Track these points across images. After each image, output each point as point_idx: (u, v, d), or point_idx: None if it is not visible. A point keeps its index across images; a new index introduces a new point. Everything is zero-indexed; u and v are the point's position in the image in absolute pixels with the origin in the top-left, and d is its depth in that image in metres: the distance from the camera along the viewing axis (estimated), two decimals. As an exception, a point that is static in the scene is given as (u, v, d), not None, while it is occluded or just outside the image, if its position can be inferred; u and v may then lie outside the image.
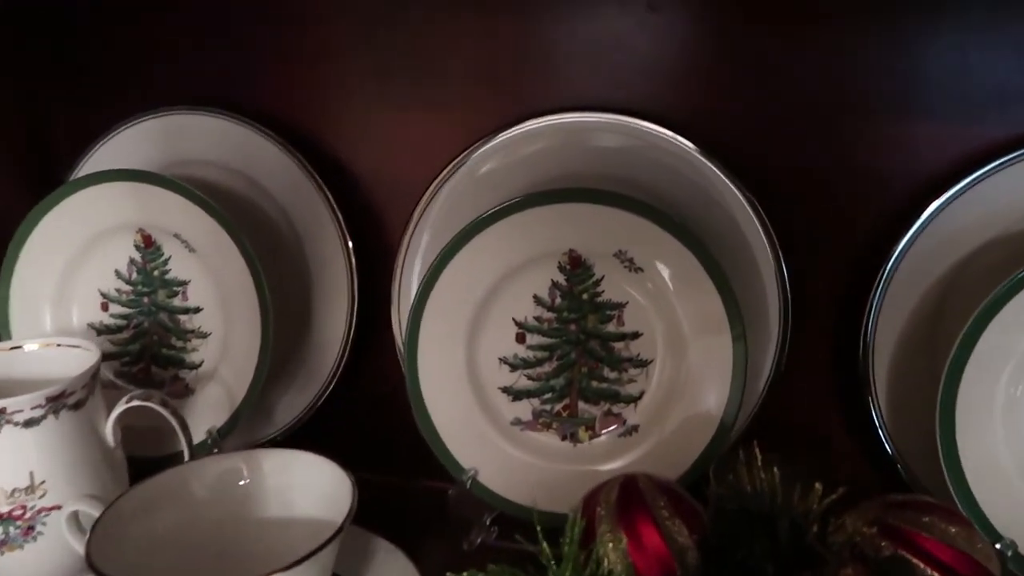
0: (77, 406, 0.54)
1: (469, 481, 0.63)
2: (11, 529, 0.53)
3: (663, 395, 0.62)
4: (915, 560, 0.44)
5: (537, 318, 0.62)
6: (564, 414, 0.63)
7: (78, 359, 0.58)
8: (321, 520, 0.49)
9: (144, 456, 0.64)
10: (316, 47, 0.70)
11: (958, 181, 0.59)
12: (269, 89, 0.72)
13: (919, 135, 0.61)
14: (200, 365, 0.70)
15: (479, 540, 0.61)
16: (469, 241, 0.60)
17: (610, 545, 0.45)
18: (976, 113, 0.60)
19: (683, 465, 0.60)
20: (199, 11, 0.72)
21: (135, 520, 0.48)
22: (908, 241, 0.60)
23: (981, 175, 0.59)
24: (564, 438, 0.63)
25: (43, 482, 0.53)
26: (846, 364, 0.64)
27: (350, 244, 0.70)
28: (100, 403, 0.58)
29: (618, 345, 0.62)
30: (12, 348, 0.61)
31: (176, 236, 0.67)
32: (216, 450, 0.66)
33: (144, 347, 0.71)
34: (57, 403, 0.53)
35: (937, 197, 0.59)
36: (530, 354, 0.63)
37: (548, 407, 0.63)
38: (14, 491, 0.52)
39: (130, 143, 0.73)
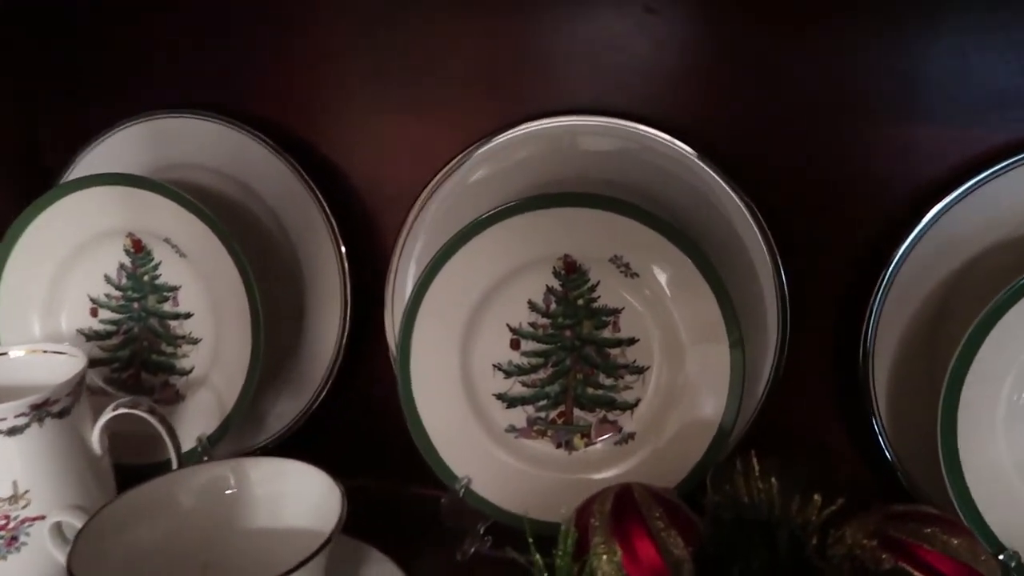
0: (62, 414, 0.53)
1: (462, 489, 0.62)
2: (-6, 539, 0.52)
3: (660, 402, 0.61)
4: (917, 573, 0.43)
5: (532, 324, 0.62)
6: (559, 421, 0.63)
7: (64, 366, 0.57)
8: (310, 530, 0.48)
9: (133, 464, 0.64)
10: (309, 50, 0.70)
11: (959, 185, 0.58)
12: (261, 92, 0.72)
13: (919, 138, 0.60)
14: (191, 371, 0.69)
15: (472, 550, 0.60)
16: (463, 245, 0.60)
17: (604, 557, 0.44)
18: (977, 116, 0.59)
19: (680, 473, 0.59)
20: (191, 14, 0.72)
21: (119, 531, 0.47)
22: (909, 245, 0.59)
23: (982, 179, 0.58)
24: (559, 446, 0.63)
25: (27, 491, 0.52)
26: (846, 370, 0.64)
27: (343, 249, 0.69)
28: (86, 410, 0.57)
29: (614, 351, 0.61)
30: (-3, 354, 0.60)
31: (167, 241, 0.67)
32: (206, 458, 0.65)
33: (134, 353, 0.70)
34: (41, 411, 0.52)
35: (938, 201, 0.59)
36: (525, 360, 0.62)
37: (543, 414, 0.63)
38: (-3, 500, 0.52)
39: (121, 147, 0.72)
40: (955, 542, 0.43)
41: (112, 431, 0.59)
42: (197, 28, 0.72)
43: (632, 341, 0.61)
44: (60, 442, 0.54)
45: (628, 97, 0.64)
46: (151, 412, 0.57)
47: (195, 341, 0.69)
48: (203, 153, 0.71)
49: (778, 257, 0.62)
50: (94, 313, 0.70)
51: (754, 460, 0.46)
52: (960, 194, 0.58)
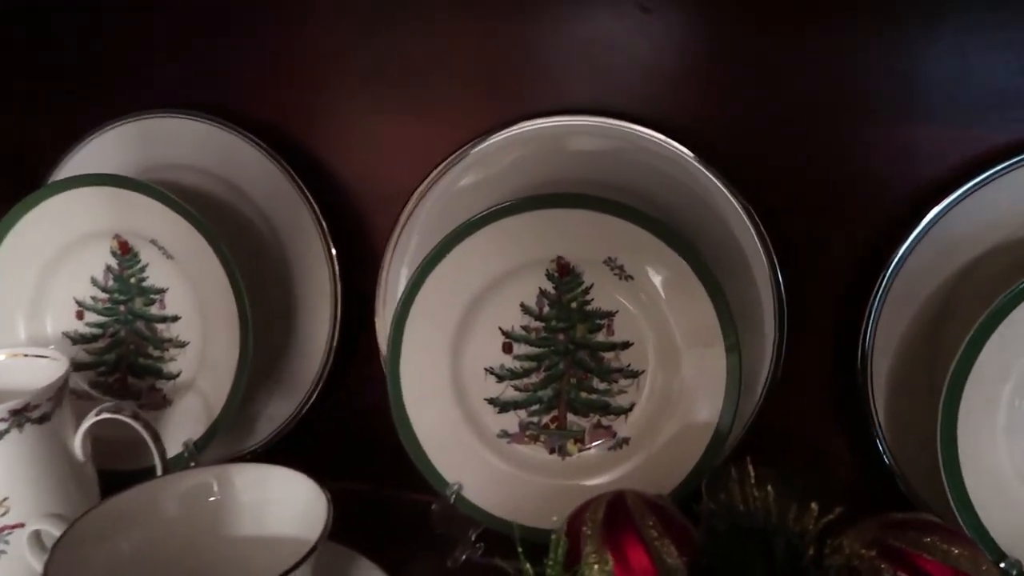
0: (43, 419, 0.52)
1: (453, 496, 0.61)
2: (-27, 548, 0.51)
3: (655, 407, 0.60)
4: (916, 584, 0.42)
5: (524, 327, 0.61)
6: (552, 426, 0.62)
7: (46, 370, 0.56)
8: (296, 538, 0.47)
9: (119, 469, 0.63)
10: (300, 50, 0.69)
11: (959, 186, 0.58)
12: (252, 92, 0.71)
13: (919, 138, 0.60)
14: (178, 375, 0.68)
15: (464, 557, 0.59)
16: (455, 246, 0.59)
17: (596, 567, 0.43)
18: (977, 116, 0.59)
19: (675, 480, 0.59)
20: (181, 12, 0.71)
21: (98, 540, 0.46)
22: (908, 246, 0.59)
23: (983, 180, 0.57)
24: (552, 451, 0.62)
25: (6, 499, 0.51)
26: (844, 373, 0.63)
27: (333, 251, 0.69)
28: (68, 416, 0.56)
29: (608, 355, 0.61)
30: (-23, 358, 0.59)
31: (153, 242, 0.66)
32: (193, 463, 0.65)
33: (120, 356, 0.69)
34: (21, 416, 0.51)
35: (938, 202, 0.58)
36: (517, 364, 0.61)
37: (536, 419, 0.62)
38: (-24, 508, 0.51)
39: (109, 147, 0.71)
40: (956, 551, 0.42)
41: (97, 436, 0.58)
42: (186, 27, 0.71)
43: (626, 345, 0.60)
44: (40, 448, 0.53)
45: (625, 97, 0.63)
46: (135, 417, 0.56)
47: (182, 344, 0.68)
48: (193, 154, 0.70)
49: (775, 259, 0.61)
50: (80, 316, 0.69)
51: (750, 467, 0.45)
52: (960, 195, 0.58)
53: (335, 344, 0.69)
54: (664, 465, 0.59)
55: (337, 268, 0.69)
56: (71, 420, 0.56)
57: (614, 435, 0.61)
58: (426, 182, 0.65)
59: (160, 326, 0.68)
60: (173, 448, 0.65)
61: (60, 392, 0.54)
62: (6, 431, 0.51)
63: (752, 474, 0.45)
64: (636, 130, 0.62)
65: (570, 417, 0.62)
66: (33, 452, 0.52)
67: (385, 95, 0.68)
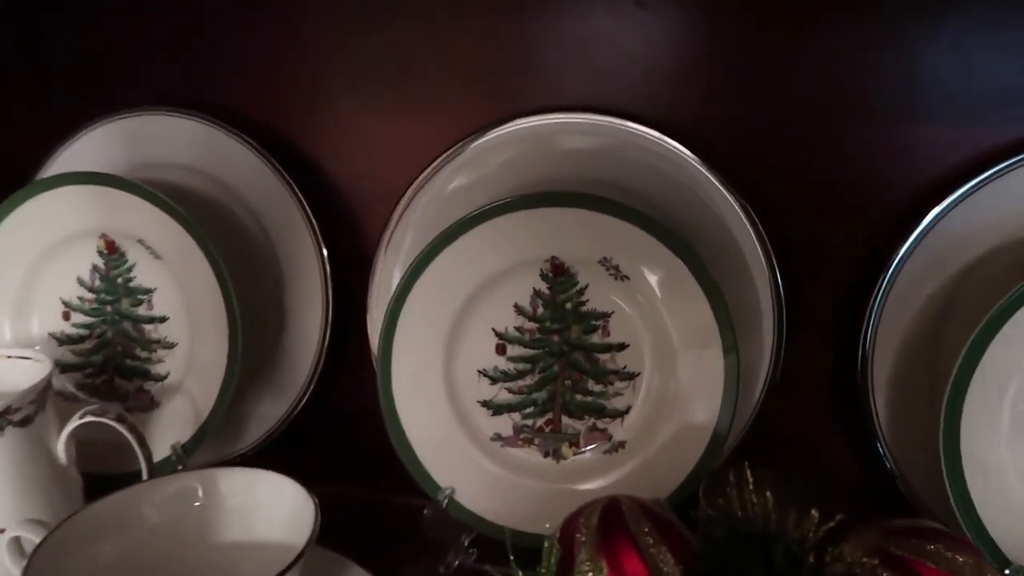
0: (24, 422, 0.52)
1: (446, 500, 0.60)
2: (-48, 554, 0.50)
3: (651, 409, 0.60)
4: (920, 593, 0.41)
5: (518, 328, 0.60)
6: (547, 429, 0.61)
7: (29, 372, 0.55)
8: (283, 544, 0.47)
9: (106, 473, 0.61)
10: (291, 46, 0.68)
11: (960, 185, 0.57)
12: (241, 89, 0.70)
13: (920, 138, 0.59)
14: (166, 377, 0.67)
15: (457, 563, 0.59)
16: (448, 245, 0.58)
17: (590, 575, 0.42)
18: (978, 115, 0.58)
19: (672, 484, 0.58)
20: (169, 9, 0.70)
21: (79, 546, 0.45)
22: (909, 247, 0.58)
23: (984, 179, 0.57)
24: (547, 454, 0.61)
25: (-14, 504, 0.50)
26: (844, 375, 0.62)
27: (324, 252, 0.68)
28: (52, 419, 0.55)
29: (603, 357, 0.60)
30: (-43, 360, 0.58)
31: (141, 242, 0.65)
32: (180, 467, 0.64)
33: (107, 358, 0.69)
34: (2, 419, 0.51)
35: (939, 202, 0.58)
36: (511, 366, 0.61)
37: (530, 422, 0.61)
38: (-45, 513, 0.50)
39: (96, 145, 0.71)
40: (960, 559, 0.41)
41: (82, 439, 0.58)
42: (175, 24, 0.70)
43: (622, 346, 0.60)
44: (22, 452, 0.52)
45: (622, 96, 0.62)
46: (120, 420, 0.55)
47: (170, 345, 0.67)
48: (181, 152, 0.69)
49: (774, 259, 0.61)
50: (66, 316, 0.68)
51: (748, 471, 0.44)
52: (962, 195, 0.57)
53: (326, 345, 0.69)
54: (661, 469, 0.58)
55: (328, 268, 0.68)
56: (54, 423, 0.55)
57: (610, 438, 0.60)
58: (418, 181, 0.65)
59: (148, 327, 0.67)
60: (161, 451, 0.64)
61: (43, 394, 0.53)
62: (-14, 434, 0.50)
63: (751, 478, 0.44)
64: (633, 128, 0.61)
65: (565, 420, 0.61)
66: (14, 456, 0.51)
67: (377, 93, 0.68)
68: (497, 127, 0.63)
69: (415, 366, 0.60)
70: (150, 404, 0.68)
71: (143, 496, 0.49)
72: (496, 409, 0.61)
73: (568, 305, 0.59)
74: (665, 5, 0.61)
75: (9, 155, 0.76)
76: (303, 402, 0.70)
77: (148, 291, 0.67)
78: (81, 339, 0.68)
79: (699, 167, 0.60)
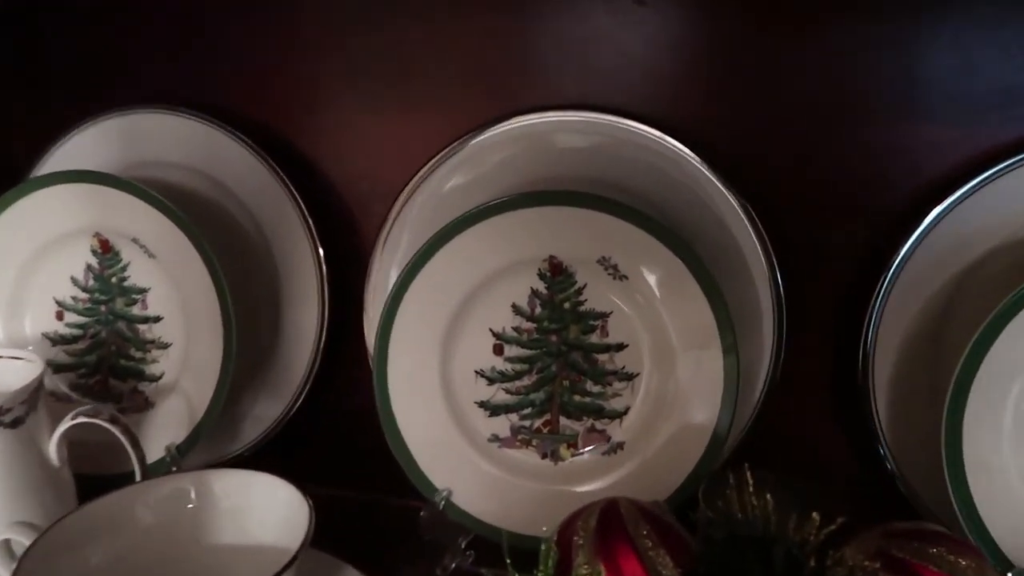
0: (15, 423, 0.51)
1: (443, 502, 0.60)
2: (-58, 558, 0.50)
3: (650, 410, 0.59)
4: (922, 597, 0.40)
5: (516, 328, 0.60)
6: (544, 430, 0.61)
7: (20, 372, 0.55)
8: (277, 547, 0.46)
9: (99, 474, 0.61)
10: (287, 44, 0.68)
11: (962, 185, 0.57)
12: (237, 88, 0.70)
13: (920, 137, 0.59)
14: (160, 377, 0.67)
15: (453, 565, 0.58)
16: (444, 244, 0.58)
17: (587, 578, 0.41)
18: (979, 114, 0.58)
19: (671, 486, 0.58)
20: (167, 7, 0.70)
21: (69, 550, 0.45)
22: (910, 247, 0.58)
23: (985, 178, 0.56)
24: (544, 456, 0.61)
25: (-24, 506, 0.50)
26: (845, 376, 0.62)
27: (320, 251, 0.67)
28: (44, 419, 0.55)
29: (602, 357, 0.59)
30: (-51, 360, 0.58)
31: (135, 241, 0.65)
32: (175, 468, 0.64)
33: (101, 358, 0.68)
34: (-8, 420, 0.49)
35: (940, 202, 0.57)
36: (508, 367, 0.60)
37: (527, 423, 0.61)
38: (-55, 516, 0.49)
39: (90, 143, 0.70)
40: (963, 563, 0.41)
41: (76, 440, 0.57)
42: (172, 20, 0.70)
43: (621, 346, 0.59)
44: (12, 453, 0.51)
45: (621, 95, 0.62)
46: (113, 421, 0.55)
47: (165, 346, 0.67)
48: (176, 150, 0.69)
49: (774, 258, 0.61)
50: (60, 316, 0.68)
51: (748, 473, 0.43)
52: (964, 194, 0.57)
53: (322, 345, 0.68)
54: (659, 471, 0.58)
55: (324, 267, 0.67)
56: (46, 424, 0.55)
57: (608, 439, 0.60)
58: (415, 180, 0.64)
59: (142, 327, 0.67)
60: (156, 452, 0.64)
61: (34, 395, 0.53)
62: (-23, 436, 0.49)
63: (751, 480, 0.43)
64: (632, 127, 0.61)
65: (563, 421, 0.60)
66: (5, 457, 0.51)
67: (375, 93, 0.67)
68: (495, 125, 0.63)
69: (411, 366, 0.60)
70: (144, 405, 0.67)
71: (136, 498, 0.49)
72: (493, 410, 0.61)
73: (566, 305, 0.59)
74: (665, 3, 0.61)
75: (8, 154, 0.75)
76: (299, 403, 0.69)
77: (142, 291, 0.66)
78: (75, 339, 0.68)
79: (699, 166, 0.60)
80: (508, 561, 0.39)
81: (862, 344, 0.59)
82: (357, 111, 0.68)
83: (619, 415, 0.60)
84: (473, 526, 0.60)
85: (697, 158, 0.60)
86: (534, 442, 0.61)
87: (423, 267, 0.58)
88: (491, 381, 0.60)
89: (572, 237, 0.57)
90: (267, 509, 0.49)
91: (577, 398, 0.60)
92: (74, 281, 0.67)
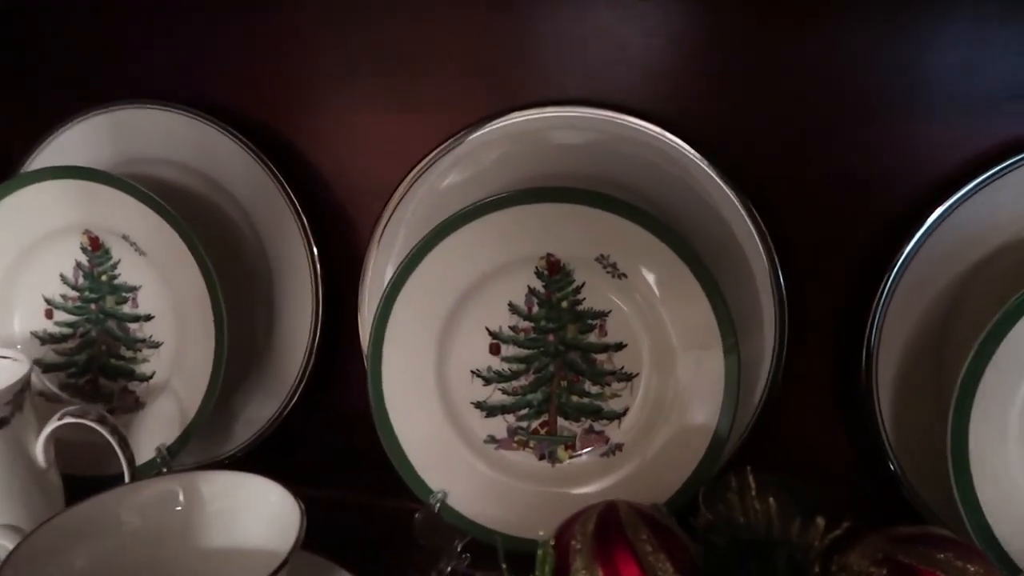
0: (1, 424, 0.50)
1: (438, 504, 0.59)
2: (-75, 562, 0.48)
3: (649, 412, 0.59)
4: (930, 604, 0.39)
5: (513, 327, 0.59)
6: (542, 432, 0.60)
7: (6, 371, 0.53)
8: (267, 550, 0.45)
9: (89, 475, 0.60)
10: (282, 38, 0.67)
11: (966, 183, 0.56)
12: (230, 83, 0.69)
13: (923, 135, 0.59)
14: (151, 377, 0.67)
15: (449, 569, 0.57)
16: (440, 242, 0.58)
17: (585, 584, 0.40)
18: (983, 111, 0.57)
19: (671, 488, 0.57)
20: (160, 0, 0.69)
21: (53, 554, 0.44)
22: (914, 247, 0.57)
23: (989, 177, 0.56)
24: (542, 457, 0.60)
25: (-40, 508, 0.49)
26: (847, 378, 0.61)
27: (315, 250, 0.67)
28: (30, 420, 0.54)
29: (600, 357, 0.59)
30: (-67, 359, 0.57)
31: (125, 238, 0.64)
32: (165, 469, 0.63)
33: (91, 357, 0.68)
34: (-24, 421, 0.48)
35: (944, 200, 0.57)
36: (505, 366, 0.60)
37: (524, 424, 0.60)
38: (-72, 520, 0.48)
39: (80, 139, 0.69)
40: (971, 568, 0.40)
41: (65, 440, 0.56)
42: (163, 14, 0.69)
43: (620, 346, 0.59)
44: (-4, 454, 0.50)
45: (621, 91, 0.62)
46: (101, 421, 0.54)
47: (156, 345, 0.66)
48: (169, 146, 0.68)
49: (776, 257, 0.60)
50: (49, 315, 0.67)
51: (751, 477, 0.42)
52: (966, 193, 0.57)
53: (316, 345, 0.68)
54: (659, 473, 0.58)
55: (319, 266, 0.67)
56: (33, 424, 0.54)
57: (606, 441, 0.59)
58: (411, 177, 0.64)
59: (133, 325, 0.66)
60: (147, 453, 0.63)
61: (20, 395, 0.52)
62: (-40, 437, 0.48)
63: (753, 484, 0.42)
64: (631, 122, 0.60)
65: (560, 422, 0.60)
66: (-10, 458, 0.50)
67: (371, 89, 0.67)
68: (492, 122, 0.62)
69: (406, 366, 0.59)
70: (135, 404, 0.67)
71: (122, 500, 0.48)
72: (490, 411, 0.60)
73: (564, 304, 0.58)
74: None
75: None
76: (292, 403, 0.68)
77: (133, 289, 0.66)
78: (64, 338, 0.67)
79: (699, 163, 0.59)
80: (504, 566, 0.38)
81: (865, 344, 0.59)
82: (353, 108, 0.67)
83: (618, 416, 0.59)
84: (469, 529, 0.59)
85: (697, 154, 0.59)
86: (531, 443, 0.60)
87: (418, 265, 0.58)
88: (487, 381, 0.60)
89: (570, 235, 0.57)
90: (257, 511, 0.48)
91: (575, 399, 0.59)
92: (63, 279, 0.67)
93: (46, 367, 0.67)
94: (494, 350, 0.59)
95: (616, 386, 0.59)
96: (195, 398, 0.63)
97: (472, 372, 0.60)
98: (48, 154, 0.70)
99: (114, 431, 0.54)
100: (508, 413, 0.60)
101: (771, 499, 0.41)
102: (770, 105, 0.60)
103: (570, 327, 0.59)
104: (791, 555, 0.40)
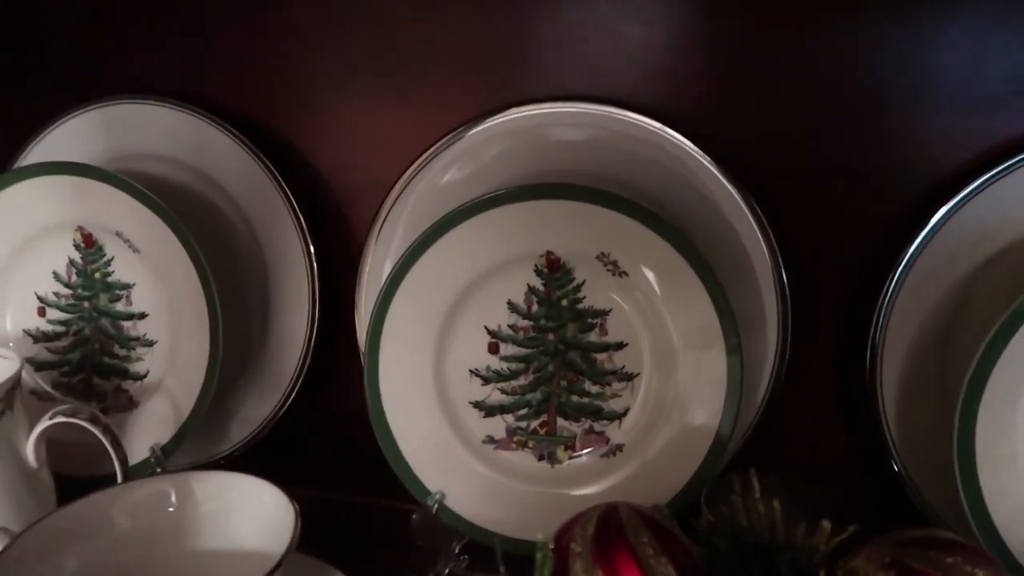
0: (-10, 423, 0.49)
1: (435, 505, 0.59)
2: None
3: (650, 412, 0.58)
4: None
5: (512, 326, 0.59)
6: (541, 432, 0.60)
7: (-3, 369, 0.53)
8: (261, 552, 0.45)
9: (82, 476, 0.60)
10: (279, 34, 0.67)
11: (974, 179, 0.56)
12: (226, 79, 0.69)
13: (931, 129, 0.58)
14: (145, 376, 0.66)
15: (447, 570, 0.57)
16: (438, 239, 0.57)
17: (585, 588, 0.40)
18: (993, 105, 0.57)
19: (672, 490, 0.57)
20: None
21: (42, 556, 0.43)
22: (920, 244, 0.57)
23: (998, 173, 0.55)
24: (541, 458, 0.60)
25: (-52, 509, 0.48)
26: (852, 378, 0.61)
27: (311, 248, 0.66)
28: (21, 419, 0.53)
29: (601, 356, 0.58)
30: (-79, 357, 0.57)
31: (119, 235, 0.64)
32: (159, 469, 0.62)
33: (85, 356, 0.67)
34: (-35, 420, 0.48)
35: (951, 197, 0.56)
36: (504, 366, 0.59)
37: (524, 424, 0.60)
38: (-84, 520, 0.48)
39: (74, 135, 0.69)
40: (980, 573, 0.39)
41: (58, 440, 0.56)
42: (159, 9, 0.68)
43: (620, 345, 0.58)
44: (-14, 454, 0.49)
45: (616, 86, 0.61)
46: (93, 420, 0.53)
47: (150, 343, 0.66)
48: (163, 143, 0.68)
49: (779, 255, 0.60)
50: (42, 313, 0.67)
51: (754, 479, 0.42)
52: (974, 189, 0.56)
53: (313, 344, 0.67)
54: (660, 474, 0.57)
55: (315, 263, 0.66)
56: (24, 423, 0.54)
57: (607, 441, 0.59)
58: (409, 173, 0.63)
59: (126, 323, 0.66)
60: (140, 453, 0.63)
61: (10, 393, 0.52)
62: (-50, 435, 0.47)
63: (757, 486, 0.41)
64: (632, 118, 0.60)
65: (560, 422, 0.59)
66: (-21, 458, 0.49)
67: (370, 86, 0.66)
68: (491, 118, 0.62)
69: (404, 365, 0.59)
70: (129, 404, 0.66)
71: (113, 501, 0.48)
72: (488, 410, 0.60)
73: (564, 302, 0.58)
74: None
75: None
76: (288, 403, 0.68)
77: (127, 286, 0.65)
78: (57, 336, 0.67)
79: (701, 159, 0.59)
80: (502, 569, 0.37)
81: (869, 343, 0.58)
82: (352, 106, 0.67)
83: (618, 416, 0.59)
84: (467, 530, 0.59)
85: (699, 151, 0.59)
86: (530, 444, 0.60)
87: (416, 262, 0.57)
88: (486, 381, 0.59)
89: (570, 232, 0.56)
90: (251, 513, 0.48)
91: (575, 398, 0.59)
92: (56, 276, 0.66)
93: (39, 365, 0.66)
94: (493, 349, 0.59)
95: (616, 386, 0.58)
96: (190, 397, 0.63)
97: (471, 371, 0.59)
98: (42, 150, 0.70)
99: (106, 431, 0.54)
100: (507, 413, 0.59)
101: (775, 501, 0.41)
102: (772, 101, 0.60)
103: (570, 326, 0.58)
104: (795, 559, 0.39)
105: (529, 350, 0.59)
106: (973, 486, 0.51)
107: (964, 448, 0.51)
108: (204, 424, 0.64)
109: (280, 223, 0.66)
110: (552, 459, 0.59)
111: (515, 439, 0.60)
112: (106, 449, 0.55)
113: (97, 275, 0.65)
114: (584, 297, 0.58)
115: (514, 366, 0.59)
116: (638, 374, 0.58)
